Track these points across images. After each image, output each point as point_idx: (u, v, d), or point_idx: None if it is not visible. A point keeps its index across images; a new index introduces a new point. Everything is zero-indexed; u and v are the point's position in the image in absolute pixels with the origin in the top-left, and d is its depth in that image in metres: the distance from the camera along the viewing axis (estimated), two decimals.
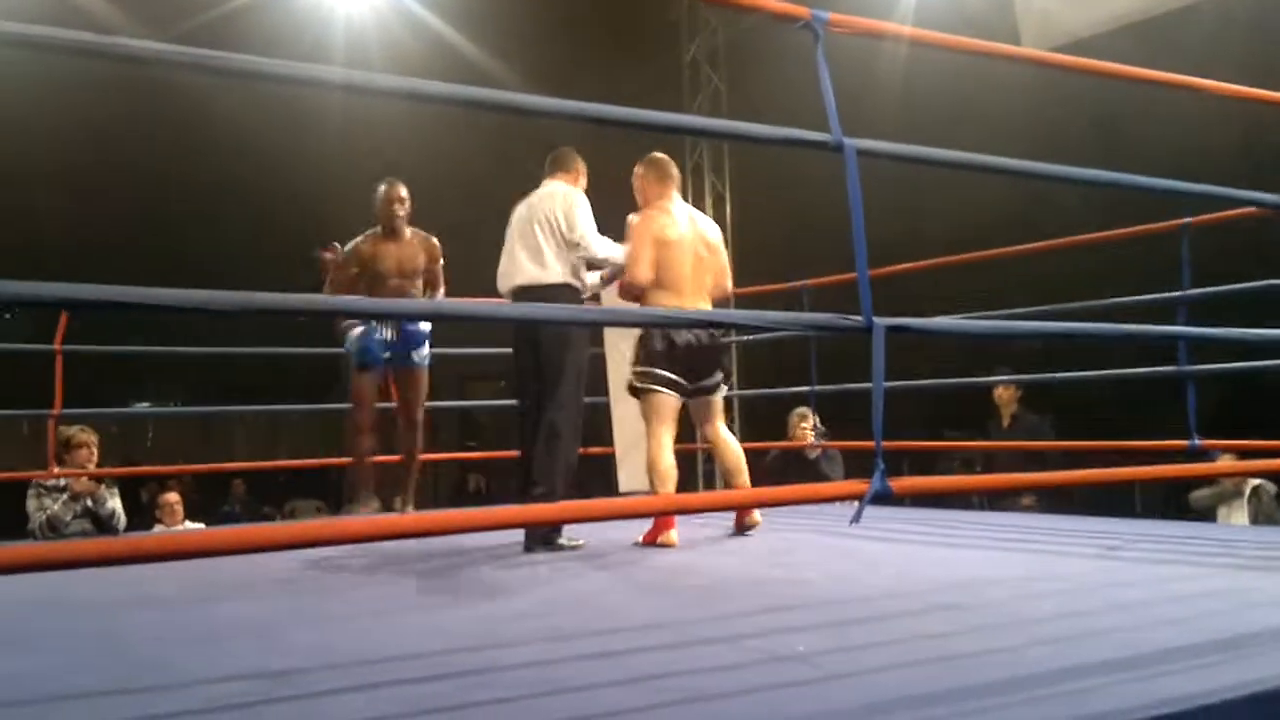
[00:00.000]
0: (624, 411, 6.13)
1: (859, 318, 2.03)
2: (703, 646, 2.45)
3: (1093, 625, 2.58)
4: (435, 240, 4.94)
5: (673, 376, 4.43)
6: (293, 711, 1.99)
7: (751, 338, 6.97)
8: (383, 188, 4.84)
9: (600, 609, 2.98)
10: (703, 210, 10.36)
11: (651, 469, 4.41)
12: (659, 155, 4.69)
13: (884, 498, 2.04)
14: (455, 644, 2.54)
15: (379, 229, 4.84)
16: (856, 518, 2.04)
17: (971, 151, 2.47)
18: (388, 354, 4.80)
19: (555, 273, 4.37)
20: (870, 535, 4.36)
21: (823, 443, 6.43)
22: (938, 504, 5.55)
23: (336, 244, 4.88)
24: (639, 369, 4.48)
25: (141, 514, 8.71)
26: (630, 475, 6.12)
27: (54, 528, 5.53)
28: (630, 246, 4.45)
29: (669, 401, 4.44)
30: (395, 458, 5.04)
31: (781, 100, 8.55)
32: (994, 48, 2.84)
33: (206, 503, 9.79)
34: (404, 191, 4.83)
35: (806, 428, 6.51)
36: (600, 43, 9.76)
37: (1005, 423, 6.49)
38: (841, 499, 2.09)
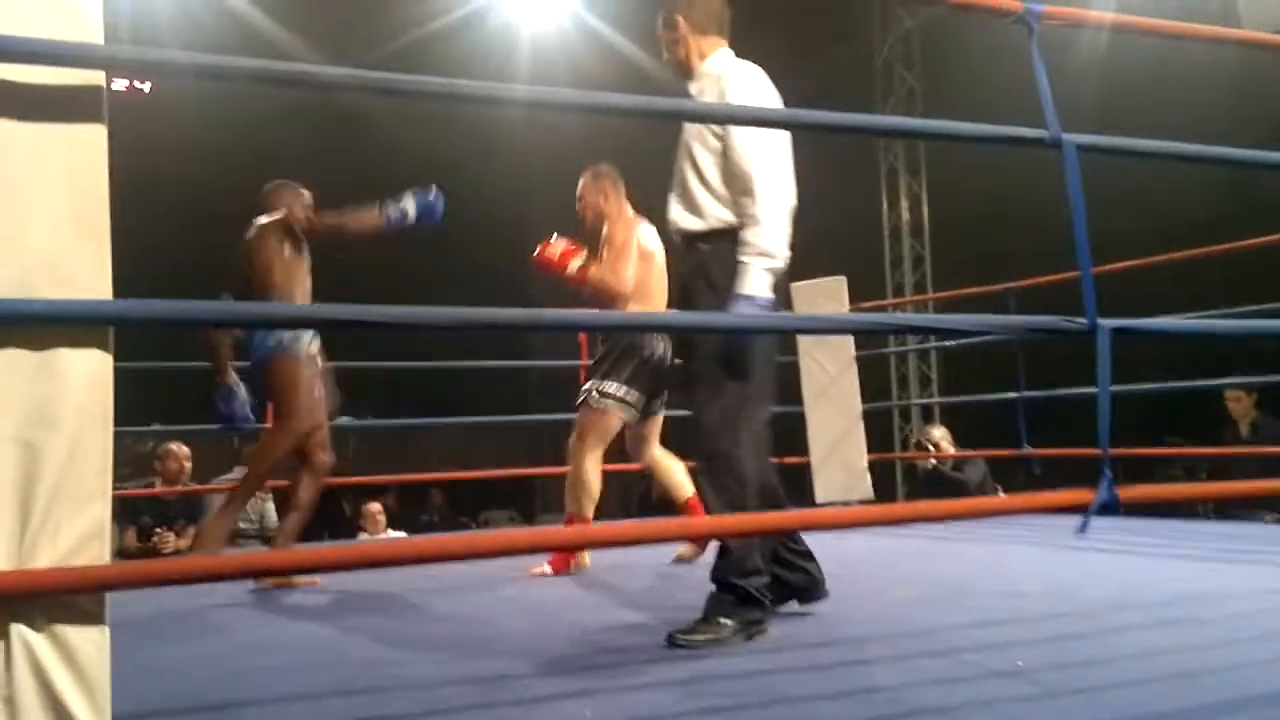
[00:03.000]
0: (821, 420, 6.06)
1: (1081, 320, 1.93)
2: (918, 660, 2.39)
3: None
4: None
5: (641, 395, 4.08)
6: (512, 716, 2.03)
7: (957, 343, 6.81)
8: (304, 192, 4.19)
9: (807, 620, 2.94)
10: (900, 213, 10.26)
11: (583, 487, 4.08)
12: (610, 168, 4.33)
13: (1111, 508, 1.94)
14: (659, 654, 2.54)
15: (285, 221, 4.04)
16: (1083, 528, 1.94)
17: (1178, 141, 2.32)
18: None
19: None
20: (1087, 546, 4.13)
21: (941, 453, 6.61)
22: (1159, 514, 5.26)
23: None
24: (617, 383, 4.05)
25: (346, 523, 9.13)
26: (826, 485, 6.04)
27: None
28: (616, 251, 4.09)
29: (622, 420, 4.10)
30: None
31: (975, 97, 8.34)
32: (1206, 31, 2.67)
33: (406, 512, 10.18)
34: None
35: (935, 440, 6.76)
36: (782, 43, 9.68)
37: (1244, 431, 6.08)
38: (1065, 509, 1.99)
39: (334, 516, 9.65)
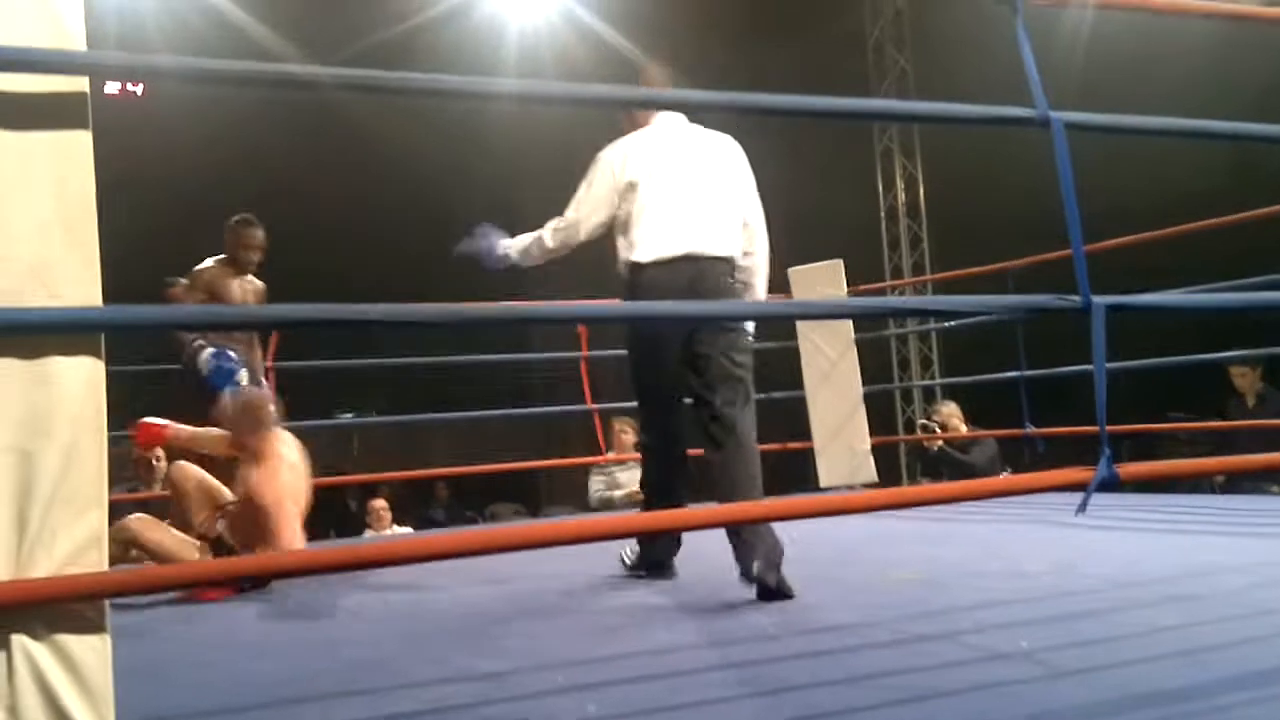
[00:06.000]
0: (823, 404, 6.06)
1: (1075, 297, 1.93)
2: (921, 644, 2.39)
3: None
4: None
5: None
6: (508, 712, 2.03)
7: (957, 324, 6.80)
8: (251, 229, 4.73)
9: (807, 607, 2.94)
10: (896, 194, 10.23)
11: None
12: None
13: (1111, 485, 1.94)
14: (663, 644, 2.54)
15: (226, 259, 4.73)
16: (1082, 507, 1.94)
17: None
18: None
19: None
20: (1089, 524, 4.13)
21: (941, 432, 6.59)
22: (1162, 489, 5.25)
23: (181, 279, 4.77)
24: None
25: (352, 520, 9.12)
26: (830, 469, 6.04)
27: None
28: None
29: None
30: None
31: (967, 75, 8.30)
32: (1193, 5, 2.66)
33: (412, 508, 10.20)
34: (264, 238, 4.76)
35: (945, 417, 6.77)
36: (777, 23, 9.64)
37: (1251, 403, 6.05)
38: (1064, 487, 1.99)
39: (340, 514, 9.67)
